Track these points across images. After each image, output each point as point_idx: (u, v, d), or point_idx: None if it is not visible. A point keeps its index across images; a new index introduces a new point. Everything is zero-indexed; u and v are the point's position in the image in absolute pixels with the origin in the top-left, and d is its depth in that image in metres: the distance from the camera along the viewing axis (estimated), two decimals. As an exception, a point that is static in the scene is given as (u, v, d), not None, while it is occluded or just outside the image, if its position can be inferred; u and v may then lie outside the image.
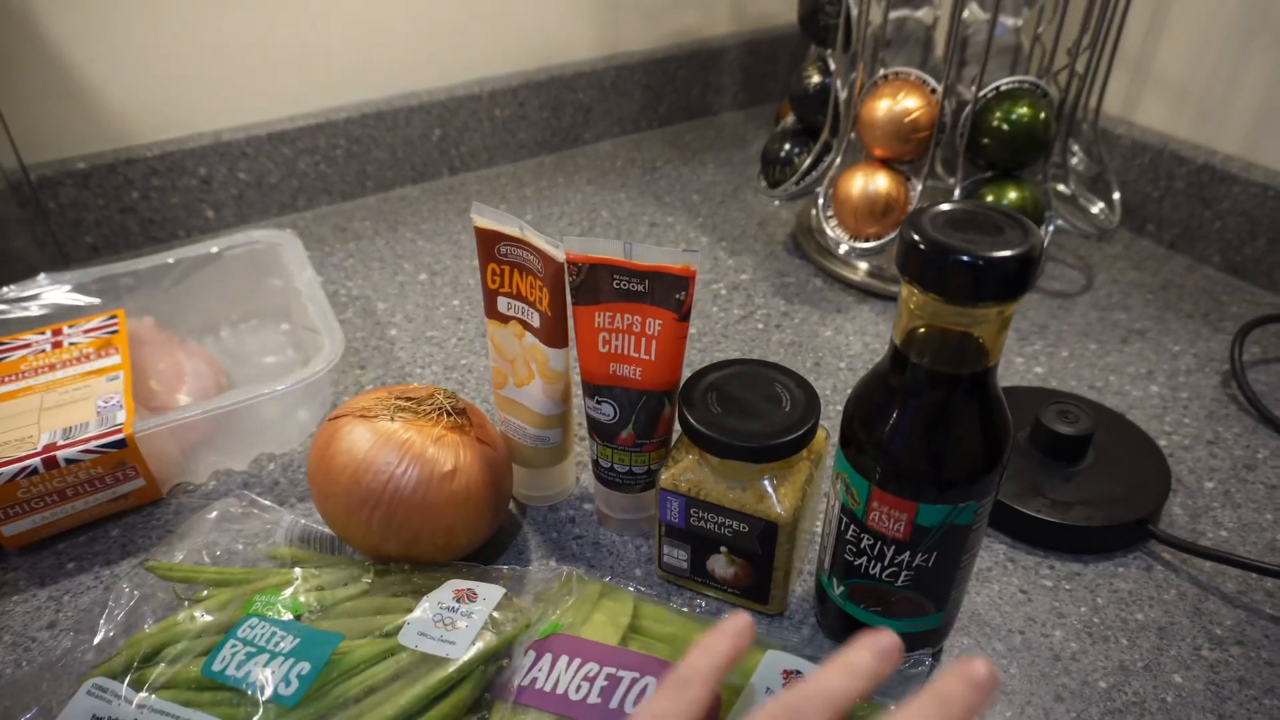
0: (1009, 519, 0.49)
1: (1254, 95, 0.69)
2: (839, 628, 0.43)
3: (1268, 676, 0.42)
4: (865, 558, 0.39)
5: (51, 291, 0.60)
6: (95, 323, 0.57)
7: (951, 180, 0.72)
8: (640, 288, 0.42)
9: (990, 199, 0.62)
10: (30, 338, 0.56)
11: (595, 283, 0.43)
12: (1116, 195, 0.68)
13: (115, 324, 0.57)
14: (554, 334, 0.45)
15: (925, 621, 0.40)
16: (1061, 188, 0.69)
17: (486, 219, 0.45)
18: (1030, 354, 0.63)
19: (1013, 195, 0.61)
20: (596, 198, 0.85)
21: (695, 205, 0.83)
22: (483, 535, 0.46)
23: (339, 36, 0.79)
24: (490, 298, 0.47)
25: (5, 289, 0.59)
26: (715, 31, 0.98)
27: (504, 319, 0.47)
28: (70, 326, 0.57)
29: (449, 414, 0.45)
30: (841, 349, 0.64)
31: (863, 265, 0.70)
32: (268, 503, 0.49)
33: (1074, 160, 0.72)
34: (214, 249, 0.63)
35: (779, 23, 1.01)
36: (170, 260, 0.62)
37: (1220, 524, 0.50)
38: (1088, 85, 0.64)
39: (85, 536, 0.50)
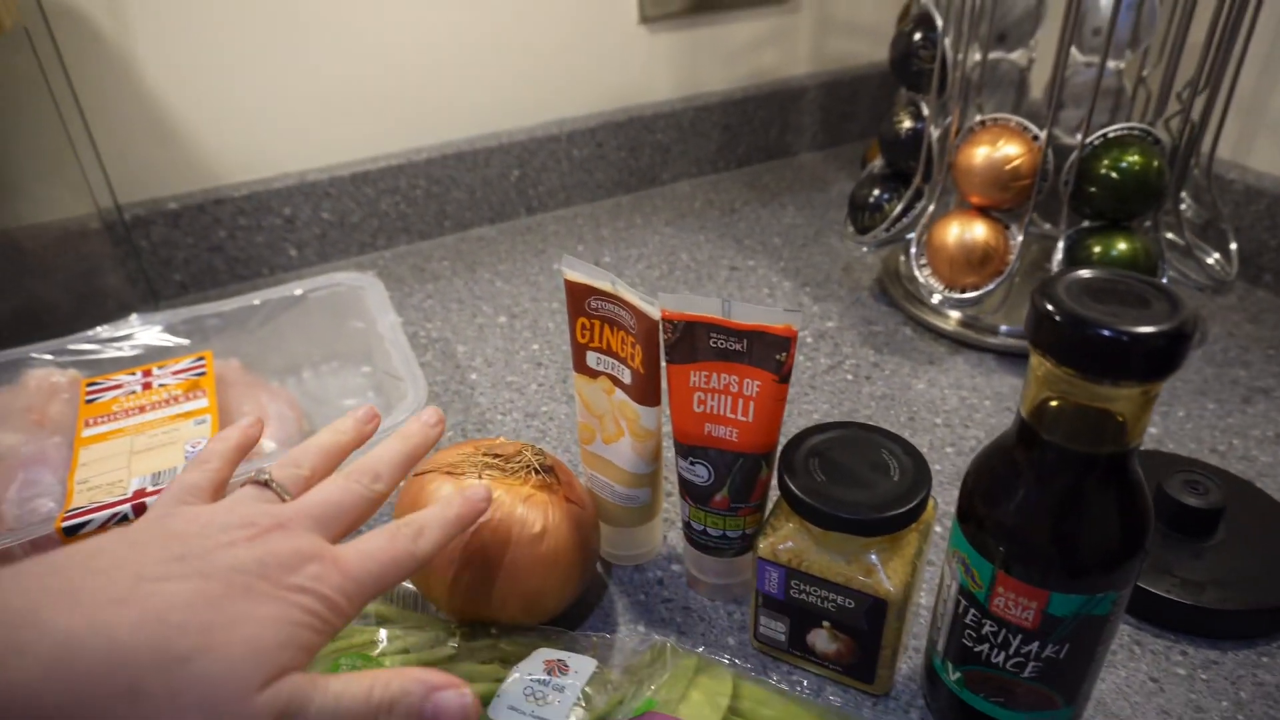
0: (1134, 598, 0.45)
1: (1384, 139, 0.65)
2: (951, 714, 0.40)
3: None
4: (987, 644, 0.36)
5: (143, 332, 0.60)
6: (184, 364, 0.58)
7: (1049, 227, 0.69)
8: (739, 347, 0.41)
9: (1098, 250, 0.59)
10: (122, 378, 0.57)
11: (692, 341, 0.41)
12: (1234, 245, 0.64)
13: (203, 365, 0.58)
14: (646, 391, 0.43)
15: (1052, 716, 0.37)
16: (1173, 237, 0.65)
17: (578, 273, 0.44)
18: (1141, 413, 0.59)
19: (1122, 246, 0.58)
20: (675, 239, 0.83)
21: (776, 248, 0.81)
22: (570, 598, 0.44)
23: (419, 79, 0.79)
24: (579, 352, 0.46)
25: (99, 329, 0.60)
26: (794, 72, 0.97)
27: (593, 374, 0.46)
28: (160, 368, 0.58)
29: (537, 472, 0.44)
30: (937, 404, 0.61)
31: (954, 314, 0.67)
32: (349, 554, 0.48)
33: (1183, 208, 0.68)
34: (298, 291, 0.63)
35: (859, 63, 0.99)
36: (256, 301, 0.62)
37: (1370, 610, 0.46)
38: (1202, 130, 0.60)
39: (168, 582, 0.50)
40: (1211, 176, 0.63)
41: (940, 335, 0.68)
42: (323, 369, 0.66)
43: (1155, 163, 0.57)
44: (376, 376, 0.64)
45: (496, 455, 0.44)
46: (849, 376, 0.64)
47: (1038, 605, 0.33)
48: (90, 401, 0.55)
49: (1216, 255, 0.65)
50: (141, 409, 0.54)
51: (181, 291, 0.76)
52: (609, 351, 0.44)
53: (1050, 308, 0.29)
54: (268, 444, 0.55)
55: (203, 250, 0.76)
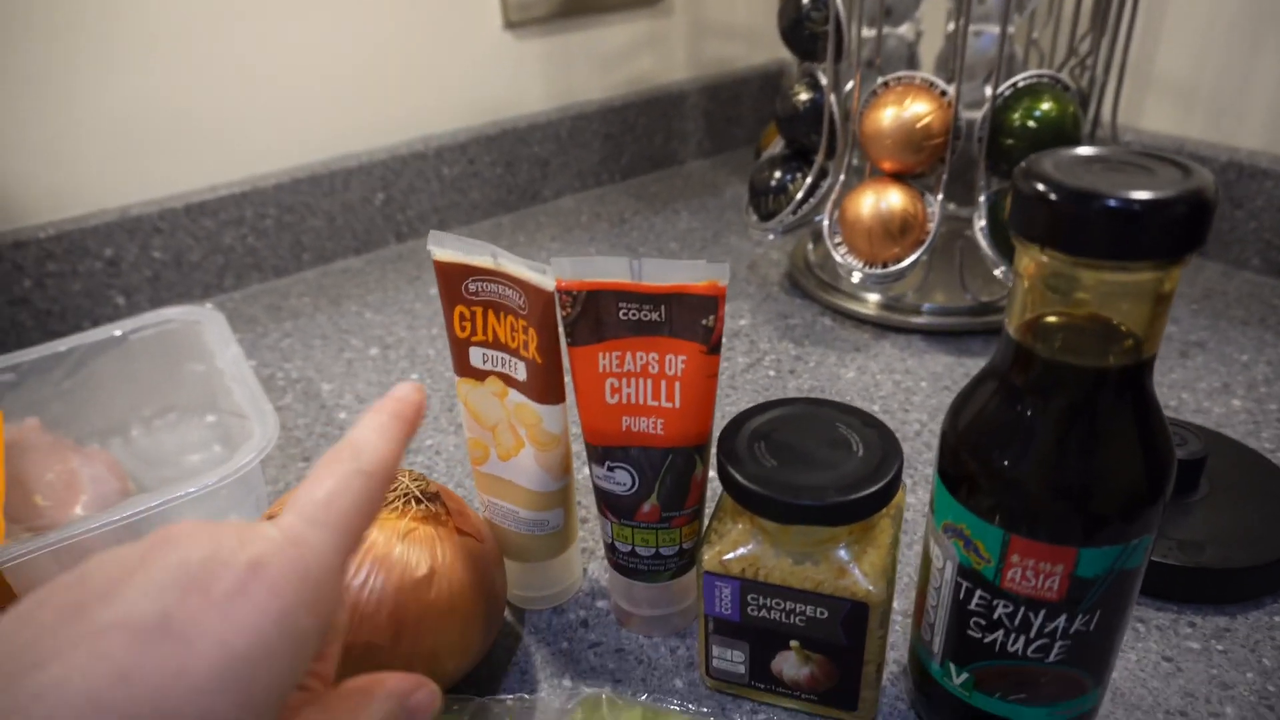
0: (1125, 570, 0.39)
1: (1271, 87, 0.64)
2: (959, 732, 0.32)
3: None
4: (1001, 631, 0.29)
5: (-90, 397, 0.48)
6: (-35, 431, 0.46)
7: (953, 206, 0.65)
8: (655, 316, 0.33)
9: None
10: (-121, 455, 0.45)
11: (596, 315, 0.33)
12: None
13: (-9, 430, 0.46)
14: (547, 387, 0.35)
15: (1080, 703, 0.30)
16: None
17: (449, 250, 0.36)
18: (1083, 378, 0.55)
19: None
20: (564, 253, 0.76)
21: (674, 253, 0.75)
22: (474, 656, 0.35)
23: (264, 96, 0.70)
24: (460, 350, 0.37)
25: None
26: (673, 77, 0.93)
27: (480, 375, 0.37)
28: (-68, 438, 0.46)
29: (418, 501, 0.35)
30: (871, 390, 0.55)
31: (873, 298, 0.62)
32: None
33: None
34: (116, 332, 0.52)
35: (737, 66, 0.96)
36: (62, 349, 0.51)
37: (1370, 553, 0.41)
38: (1101, 81, 0.58)
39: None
40: (1117, 129, 0.61)
41: (862, 321, 0.62)
42: (156, 424, 0.55)
43: (1070, 108, 0.53)
44: (224, 425, 0.54)
45: (364, 485, 0.35)
46: (771, 372, 0.58)
47: (1064, 569, 0.27)
48: None
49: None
50: (-97, 489, 0.42)
51: (-20, 356, 0.64)
52: (496, 344, 0.36)
53: (1041, 187, 0.23)
54: (80, 513, 0.44)
55: (3, 304, 0.63)
